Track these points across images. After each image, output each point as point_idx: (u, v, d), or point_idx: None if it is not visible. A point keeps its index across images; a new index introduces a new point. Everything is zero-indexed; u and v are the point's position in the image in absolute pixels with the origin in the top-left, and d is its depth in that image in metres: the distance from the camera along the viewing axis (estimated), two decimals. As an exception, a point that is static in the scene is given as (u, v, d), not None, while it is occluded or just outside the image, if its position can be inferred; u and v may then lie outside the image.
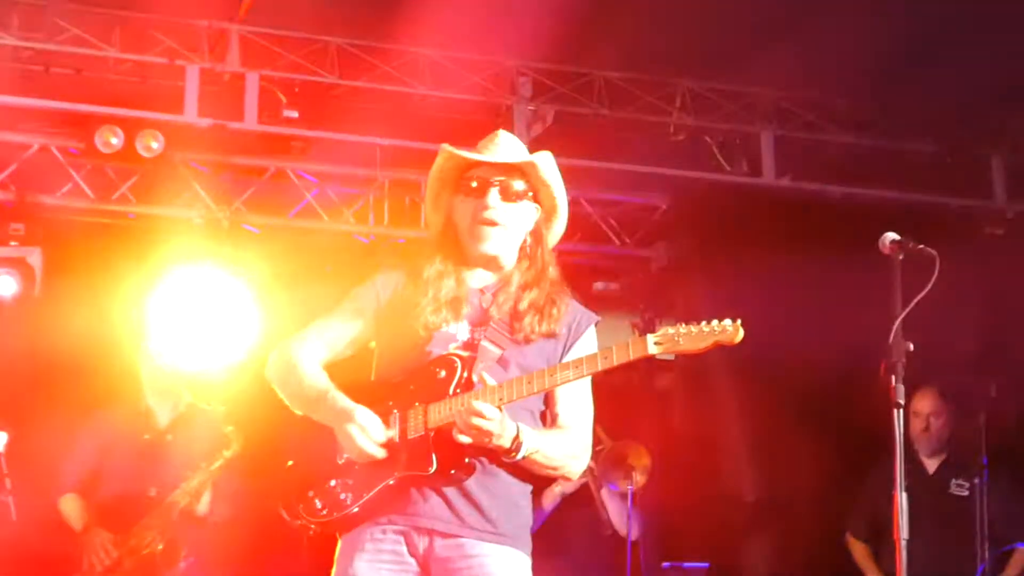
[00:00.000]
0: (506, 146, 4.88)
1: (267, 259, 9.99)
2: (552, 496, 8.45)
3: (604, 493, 8.51)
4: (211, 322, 9.63)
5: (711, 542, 9.52)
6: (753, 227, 9.81)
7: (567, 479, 4.82)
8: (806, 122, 9.90)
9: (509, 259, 4.83)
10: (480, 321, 4.76)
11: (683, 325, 4.41)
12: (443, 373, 4.65)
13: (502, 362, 4.67)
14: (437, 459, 4.55)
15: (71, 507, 8.19)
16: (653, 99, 9.62)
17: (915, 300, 5.05)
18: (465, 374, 4.61)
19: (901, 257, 5.13)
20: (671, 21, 8.55)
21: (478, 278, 4.85)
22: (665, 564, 8.72)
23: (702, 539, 9.61)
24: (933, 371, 7.98)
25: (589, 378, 4.76)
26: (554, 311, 4.75)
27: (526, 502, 4.76)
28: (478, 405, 4.36)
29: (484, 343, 4.69)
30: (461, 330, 4.74)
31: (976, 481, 8.53)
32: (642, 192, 10.40)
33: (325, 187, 10.16)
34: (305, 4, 8.60)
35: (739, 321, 4.36)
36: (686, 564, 8.85)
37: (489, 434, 4.36)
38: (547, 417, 4.76)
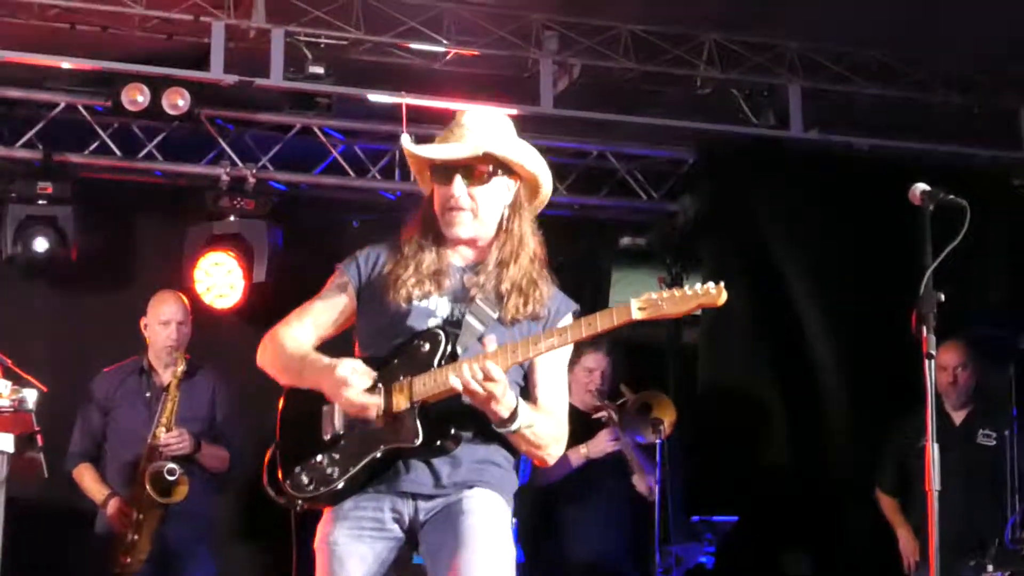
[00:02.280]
0: (460, 134, 4.81)
1: (295, 215, 10.03)
2: (578, 455, 8.47)
3: (630, 446, 8.52)
4: (232, 271, 9.82)
5: (740, 496, 9.51)
6: (780, 180, 9.79)
7: (543, 463, 4.80)
8: (834, 74, 9.84)
9: (485, 236, 4.84)
10: (461, 298, 4.78)
11: (667, 290, 4.42)
12: (427, 347, 4.68)
13: (484, 337, 4.67)
14: (423, 431, 4.59)
15: (86, 478, 8.29)
16: (680, 52, 9.56)
17: (946, 251, 5.04)
18: (449, 348, 4.64)
19: (931, 207, 5.10)
20: None
21: (458, 255, 4.86)
22: (694, 518, 8.71)
23: (731, 493, 9.60)
24: (962, 322, 7.96)
25: (565, 367, 4.85)
26: (537, 293, 4.77)
27: (509, 466, 4.83)
28: (489, 365, 4.39)
29: (468, 318, 4.71)
30: (442, 305, 4.78)
31: (1005, 432, 8.53)
32: (669, 146, 10.38)
33: (351, 143, 10.18)
34: None
35: (722, 283, 4.35)
36: (715, 518, 8.84)
37: (492, 395, 4.40)
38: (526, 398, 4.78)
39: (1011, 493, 8.45)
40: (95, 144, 9.69)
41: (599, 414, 8.56)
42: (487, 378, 4.39)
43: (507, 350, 4.47)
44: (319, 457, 4.72)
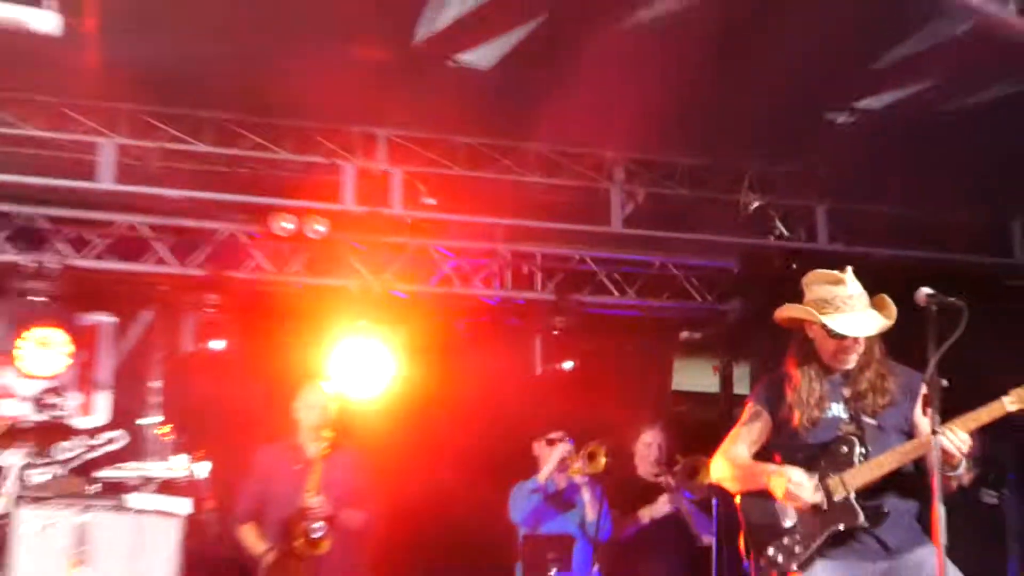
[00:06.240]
0: (861, 304, 5.53)
1: (414, 318, 10.16)
2: (644, 516, 8.51)
3: (683, 502, 8.53)
4: (364, 365, 9.79)
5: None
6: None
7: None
8: (855, 195, 9.79)
9: None
10: (845, 402, 5.47)
11: None
12: (845, 449, 5.36)
13: (879, 428, 5.41)
14: (863, 512, 5.29)
15: (249, 536, 8.35)
16: (725, 181, 9.57)
17: (947, 344, 5.03)
18: (861, 448, 5.36)
19: (934, 308, 5.11)
20: (739, 117, 8.58)
21: (835, 374, 5.57)
22: (745, 564, 8.68)
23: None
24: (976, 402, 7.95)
25: None
26: (887, 384, 5.43)
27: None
28: (961, 433, 5.16)
29: (864, 419, 5.40)
30: (840, 412, 5.47)
31: (1004, 492, 8.46)
32: (719, 257, 10.38)
33: (458, 259, 10.22)
34: (439, 110, 8.64)
35: None
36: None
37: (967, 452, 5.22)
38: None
39: (1013, 539, 8.40)
40: (251, 263, 9.80)
41: (660, 479, 8.62)
42: (963, 442, 5.16)
43: (957, 421, 5.21)
44: (784, 540, 5.39)
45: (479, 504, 9.08)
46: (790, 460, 5.50)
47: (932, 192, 9.64)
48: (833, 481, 5.33)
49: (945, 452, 5.12)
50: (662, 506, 8.58)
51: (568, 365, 10.19)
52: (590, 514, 8.43)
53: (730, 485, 5.65)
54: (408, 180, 9.25)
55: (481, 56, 7.70)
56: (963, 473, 5.27)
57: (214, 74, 8.18)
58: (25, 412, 8.82)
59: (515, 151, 9.27)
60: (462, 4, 7.21)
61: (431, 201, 9.39)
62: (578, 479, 8.46)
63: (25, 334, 9.20)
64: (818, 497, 5.32)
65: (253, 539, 8.31)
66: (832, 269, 5.80)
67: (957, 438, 5.16)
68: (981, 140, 8.64)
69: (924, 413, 5.19)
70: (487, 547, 8.89)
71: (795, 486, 5.32)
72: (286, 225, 9.22)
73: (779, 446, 5.60)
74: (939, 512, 4.94)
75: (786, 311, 5.67)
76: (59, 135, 8.63)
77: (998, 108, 8.21)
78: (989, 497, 8.60)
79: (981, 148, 8.76)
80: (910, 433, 5.43)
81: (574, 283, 10.41)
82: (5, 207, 9.30)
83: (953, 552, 5.00)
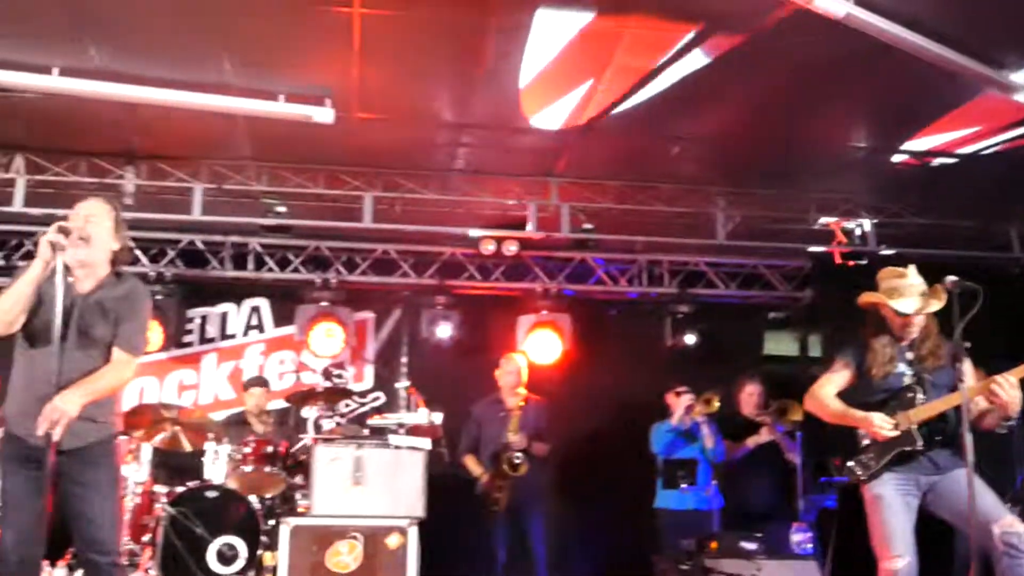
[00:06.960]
0: (922, 288, 5.38)
1: (579, 308, 10.18)
2: (750, 443, 8.49)
3: (777, 432, 8.48)
4: (546, 341, 9.87)
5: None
6: (864, 277, 9.62)
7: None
8: (894, 211, 9.58)
9: None
10: (908, 363, 5.38)
11: None
12: (910, 394, 5.30)
13: (933, 383, 5.30)
14: (922, 439, 5.22)
15: (470, 462, 8.38)
16: (799, 205, 9.44)
17: (968, 316, 4.98)
18: (923, 395, 5.27)
19: (958, 290, 5.10)
20: (808, 160, 8.50)
21: (903, 341, 5.44)
22: (822, 479, 8.61)
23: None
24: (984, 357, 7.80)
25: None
26: (941, 351, 5.33)
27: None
28: (1010, 378, 5.01)
29: (924, 375, 5.32)
30: (905, 370, 5.37)
31: (1013, 424, 8.22)
32: (795, 259, 10.23)
33: (609, 266, 10.26)
34: (596, 161, 8.68)
35: None
36: (835, 479, 8.70)
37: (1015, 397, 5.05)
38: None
39: (1018, 461, 8.18)
40: (466, 274, 9.98)
41: (759, 417, 8.54)
42: (1012, 386, 5.02)
43: (996, 378, 5.06)
44: (862, 457, 5.33)
45: (628, 439, 8.95)
46: (869, 400, 5.42)
47: (952, 207, 9.42)
48: (900, 417, 5.29)
49: (1001, 404, 5.10)
50: (762, 436, 8.50)
51: (690, 339, 10.18)
52: (708, 443, 8.34)
53: (822, 415, 5.54)
54: (573, 210, 9.28)
55: (545, 119, 7.73)
56: (1014, 423, 5.23)
57: (435, 147, 8.40)
58: (317, 381, 9.05)
59: (648, 188, 9.22)
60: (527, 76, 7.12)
61: (590, 226, 9.40)
62: (699, 419, 8.40)
63: (316, 327, 9.48)
64: (894, 433, 5.28)
65: (473, 465, 8.38)
66: (878, 268, 5.74)
67: (1007, 382, 5.05)
68: (987, 170, 8.46)
69: (952, 367, 5.22)
70: (634, 469, 8.76)
71: (878, 427, 5.27)
72: (489, 247, 9.29)
73: (863, 390, 5.48)
74: (967, 440, 4.92)
75: (865, 297, 5.56)
76: (334, 191, 8.86)
77: (999, 149, 8.11)
78: (1001, 428, 8.35)
79: (987, 175, 8.57)
80: (953, 388, 5.27)
81: (692, 280, 10.35)
82: (301, 241, 9.61)
83: (977, 470, 4.96)
